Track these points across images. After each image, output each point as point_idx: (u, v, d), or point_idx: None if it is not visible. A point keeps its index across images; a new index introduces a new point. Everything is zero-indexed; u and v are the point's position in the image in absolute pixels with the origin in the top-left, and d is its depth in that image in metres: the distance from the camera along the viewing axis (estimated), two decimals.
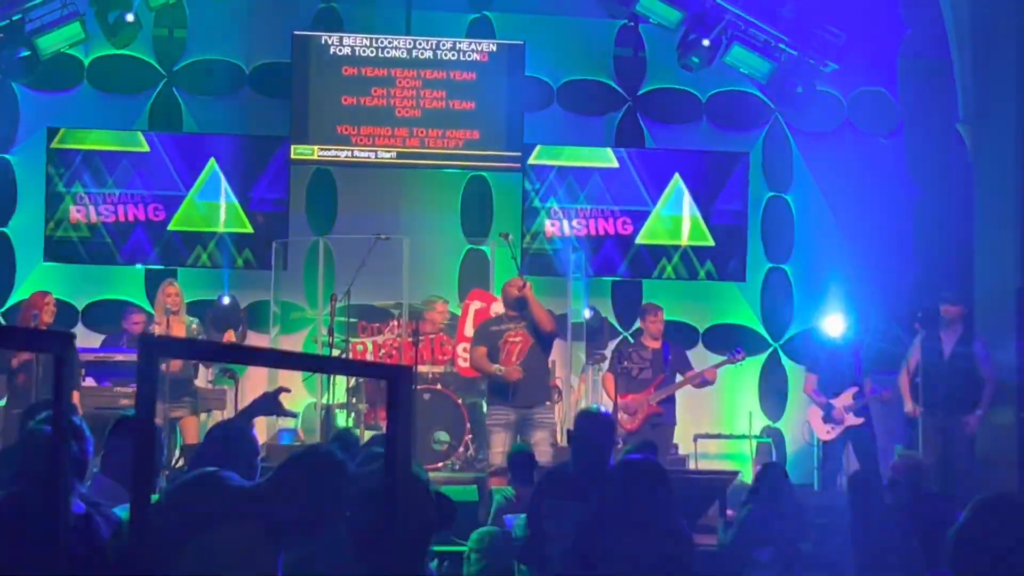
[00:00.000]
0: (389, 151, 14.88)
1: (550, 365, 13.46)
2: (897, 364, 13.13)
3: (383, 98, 14.93)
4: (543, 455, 10.88)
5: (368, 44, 14.96)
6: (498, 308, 13.11)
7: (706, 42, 14.35)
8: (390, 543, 2.64)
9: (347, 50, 14.93)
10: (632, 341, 14.11)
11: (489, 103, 15.01)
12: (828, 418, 13.16)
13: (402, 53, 14.96)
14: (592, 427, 7.25)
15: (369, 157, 14.90)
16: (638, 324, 14.65)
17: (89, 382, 12.41)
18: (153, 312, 13.08)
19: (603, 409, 10.33)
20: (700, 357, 14.67)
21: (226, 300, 14.19)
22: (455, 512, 7.59)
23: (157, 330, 12.36)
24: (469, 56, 15.03)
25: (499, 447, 11.08)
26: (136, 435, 2.38)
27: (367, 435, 13.24)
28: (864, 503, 8.78)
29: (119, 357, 12.82)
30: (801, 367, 15.36)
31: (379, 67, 14.94)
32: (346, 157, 14.91)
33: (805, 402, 13.79)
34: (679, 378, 12.97)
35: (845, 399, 13.07)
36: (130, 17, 14.10)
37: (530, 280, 13.51)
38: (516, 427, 11.19)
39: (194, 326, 12.78)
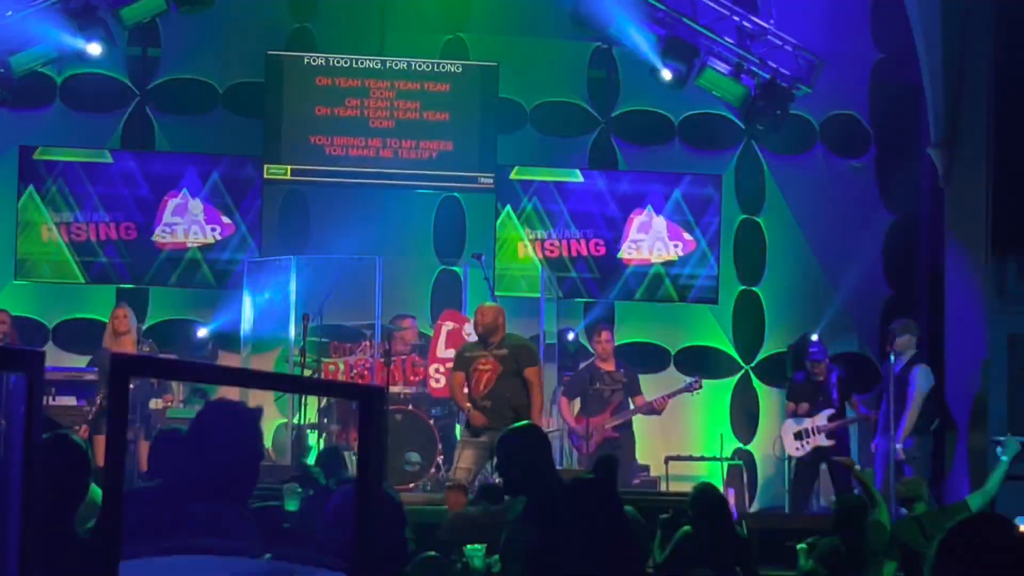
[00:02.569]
0: (362, 170, 14.86)
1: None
2: (871, 386, 13.26)
3: (357, 108, 14.92)
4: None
5: (342, 65, 14.97)
6: (471, 329, 13.08)
7: (667, 74, 14.35)
8: (361, 565, 2.64)
9: (321, 62, 14.97)
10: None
11: (463, 115, 15.03)
12: (799, 435, 13.25)
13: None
14: (518, 444, 6.99)
15: (342, 179, 14.90)
16: None
17: (61, 400, 12.37)
18: (105, 337, 13.03)
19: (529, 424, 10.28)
20: (671, 379, 14.70)
21: (202, 332, 14.21)
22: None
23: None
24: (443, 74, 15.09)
25: (464, 463, 10.98)
26: (107, 455, 2.38)
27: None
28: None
29: (89, 376, 12.79)
30: (772, 389, 15.42)
31: (353, 77, 14.95)
32: (319, 178, 14.90)
33: (777, 423, 13.83)
34: (631, 403, 13.03)
35: (818, 420, 13.16)
36: (95, 49, 13.95)
37: (502, 302, 13.54)
38: (487, 448, 11.06)
39: (147, 348, 12.76)
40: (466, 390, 11.23)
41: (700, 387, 13.43)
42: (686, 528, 8.51)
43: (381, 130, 14.92)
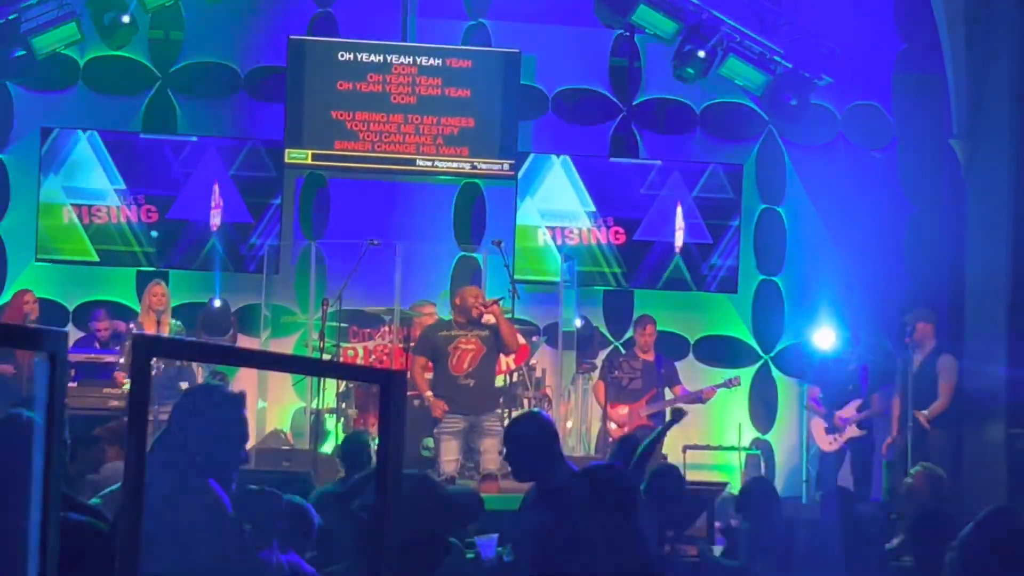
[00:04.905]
0: (383, 155, 14.87)
1: (538, 375, 13.45)
2: (893, 378, 13.19)
3: (378, 84, 14.93)
4: (491, 463, 10.86)
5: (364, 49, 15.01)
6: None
7: (701, 53, 14.36)
8: (382, 544, 2.64)
9: (344, 48, 15.00)
10: (623, 351, 14.19)
11: (484, 92, 15.03)
12: (831, 429, 13.20)
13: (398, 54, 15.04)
14: (525, 431, 6.97)
15: (363, 163, 14.91)
16: (629, 333, 14.70)
17: (80, 382, 12.40)
18: (140, 312, 13.11)
19: (538, 410, 10.29)
20: (690, 368, 14.69)
21: (217, 303, 14.14)
22: (478, 507, 7.49)
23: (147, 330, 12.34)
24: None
25: (450, 455, 10.99)
26: (128, 436, 2.38)
27: None
28: (840, 517, 8.79)
29: (109, 358, 12.82)
30: (792, 380, 15.39)
31: (375, 53, 14.96)
32: (340, 163, 14.91)
33: (795, 414, 13.83)
34: (668, 392, 13.03)
35: (848, 411, 13.11)
36: (126, 19, 14.08)
37: (520, 288, 13.57)
38: (465, 435, 11.07)
39: (178, 328, 12.76)
40: (428, 375, 11.19)
41: (738, 383, 13.60)
42: (744, 523, 8.47)
43: (403, 106, 14.93)
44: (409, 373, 11.49)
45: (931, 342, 12.79)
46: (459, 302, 11.32)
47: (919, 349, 12.70)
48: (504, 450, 8.50)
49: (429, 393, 11.05)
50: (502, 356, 11.87)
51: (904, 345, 12.91)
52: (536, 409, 11.78)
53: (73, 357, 12.55)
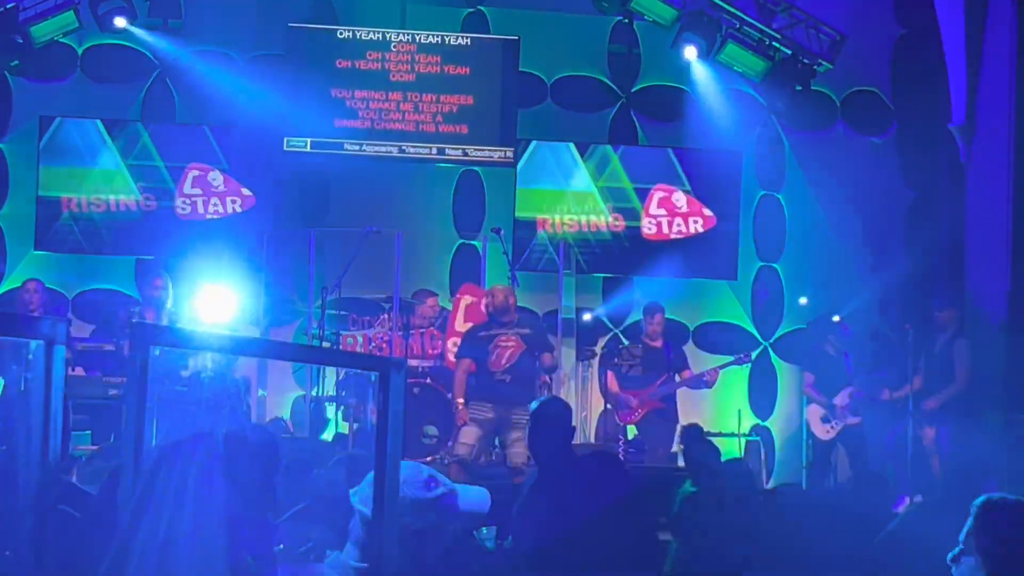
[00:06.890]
0: (380, 145, 14.86)
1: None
2: (888, 362, 13.23)
3: (377, 62, 14.92)
4: (518, 457, 10.88)
5: (364, 37, 14.98)
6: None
7: (693, 54, 14.35)
8: (382, 532, 2.64)
9: (347, 35, 14.97)
10: (624, 338, 14.21)
11: (483, 72, 15.01)
12: (827, 418, 13.21)
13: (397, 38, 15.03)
14: (547, 411, 6.99)
15: (362, 150, 14.90)
16: (629, 321, 14.74)
17: (78, 371, 12.39)
18: (142, 303, 13.11)
19: (553, 397, 10.35)
20: (691, 356, 14.68)
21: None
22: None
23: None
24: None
25: (467, 439, 11.07)
26: (128, 424, 2.38)
27: (355, 428, 13.27)
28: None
29: (108, 347, 12.81)
30: (791, 366, 15.39)
31: (374, 31, 14.95)
32: (339, 151, 14.89)
33: (795, 401, 13.82)
34: (678, 377, 13.06)
35: (842, 399, 13.12)
36: (121, 23, 14.08)
37: (521, 276, 13.57)
38: (493, 425, 11.12)
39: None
40: (470, 371, 11.29)
41: (749, 360, 13.52)
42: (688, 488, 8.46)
43: (402, 83, 14.92)
44: (456, 373, 11.64)
45: (952, 327, 12.84)
46: (491, 300, 11.46)
47: (942, 333, 12.76)
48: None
49: (460, 400, 11.15)
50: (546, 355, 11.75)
51: (904, 332, 12.93)
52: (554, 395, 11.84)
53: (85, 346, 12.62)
